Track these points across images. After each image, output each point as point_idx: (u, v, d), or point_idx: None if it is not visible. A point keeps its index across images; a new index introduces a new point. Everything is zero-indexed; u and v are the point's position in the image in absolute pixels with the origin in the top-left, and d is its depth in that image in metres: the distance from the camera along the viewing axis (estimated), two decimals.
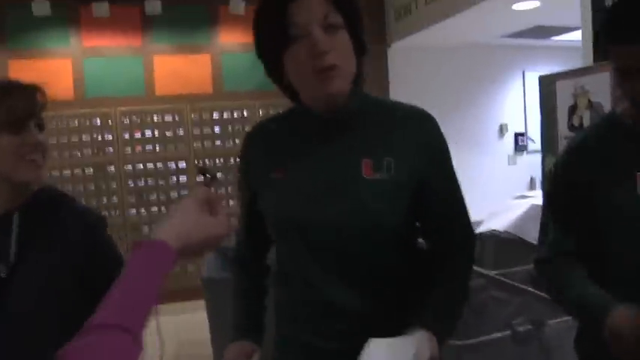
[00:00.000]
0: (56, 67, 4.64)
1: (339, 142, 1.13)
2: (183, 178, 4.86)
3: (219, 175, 0.94)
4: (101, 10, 4.02)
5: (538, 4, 4.04)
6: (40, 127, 1.26)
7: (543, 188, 2.72)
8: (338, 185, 1.09)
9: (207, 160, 4.85)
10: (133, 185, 4.79)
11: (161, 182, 4.84)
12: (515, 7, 4.11)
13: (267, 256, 1.32)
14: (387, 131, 1.13)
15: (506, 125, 5.79)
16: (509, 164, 5.81)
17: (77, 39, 4.66)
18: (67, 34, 4.64)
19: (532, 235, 3.28)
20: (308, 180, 1.12)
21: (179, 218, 0.81)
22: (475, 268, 2.76)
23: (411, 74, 5.38)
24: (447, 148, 1.17)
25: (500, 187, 5.27)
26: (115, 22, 4.46)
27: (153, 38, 4.81)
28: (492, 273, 2.76)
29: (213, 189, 0.91)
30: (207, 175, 0.93)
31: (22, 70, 4.55)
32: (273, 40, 1.08)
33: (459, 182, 1.19)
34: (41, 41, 4.59)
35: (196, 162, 4.85)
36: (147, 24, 4.72)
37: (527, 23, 4.70)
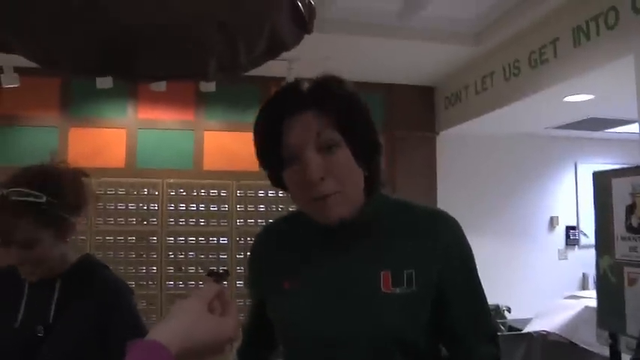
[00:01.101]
0: (112, 136, 4.82)
1: (356, 250, 1.05)
2: (223, 255, 4.83)
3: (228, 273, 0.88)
4: (158, 85, 4.19)
5: (592, 97, 3.97)
6: (27, 246, 1.31)
7: (597, 289, 2.54)
8: (355, 300, 1.01)
9: (245, 238, 4.83)
10: (172, 257, 4.79)
11: (201, 256, 4.82)
12: (568, 99, 4.05)
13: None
14: (406, 239, 1.05)
15: (557, 218, 5.58)
16: (559, 259, 5.55)
17: (133, 110, 4.86)
18: (125, 106, 4.85)
19: (583, 339, 3.06)
20: (322, 292, 1.04)
21: (181, 318, 0.73)
22: None
23: (460, 163, 5.33)
24: (470, 252, 1.09)
25: (550, 282, 5.02)
26: (170, 96, 4.64)
27: (205, 114, 4.97)
28: None
29: (224, 285, 0.84)
30: (217, 270, 0.86)
31: (81, 138, 4.76)
32: (268, 161, 1.04)
33: (482, 288, 1.10)
34: (100, 111, 4.80)
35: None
36: (200, 100, 4.89)
37: (580, 115, 4.61)
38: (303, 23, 1.52)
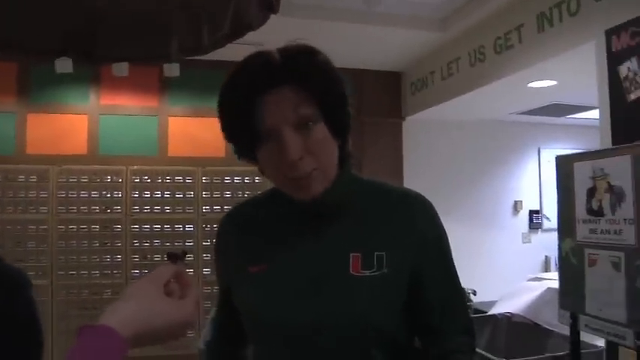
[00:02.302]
0: (73, 122, 4.68)
1: (325, 232, 1.02)
2: (189, 243, 4.77)
3: (188, 256, 0.84)
4: (120, 69, 4.07)
5: (555, 82, 4.04)
6: None
7: (560, 271, 2.59)
8: (323, 283, 0.98)
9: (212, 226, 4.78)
10: (138, 245, 4.70)
11: (167, 244, 4.75)
12: (532, 85, 4.10)
13: (243, 354, 1.19)
14: (378, 220, 1.02)
15: (520, 202, 5.69)
16: (523, 242, 5.67)
17: (95, 96, 4.73)
18: (87, 91, 4.72)
19: (546, 320, 3.13)
20: (290, 276, 1.00)
21: (134, 301, 0.70)
22: (484, 353, 2.62)
23: (426, 148, 5.37)
24: (444, 235, 1.07)
25: (515, 265, 5.12)
26: (134, 82, 4.52)
27: (169, 100, 4.87)
28: None
29: (183, 266, 0.81)
30: (175, 253, 0.83)
31: (40, 124, 4.61)
32: (240, 138, 0.98)
33: (457, 274, 1.08)
34: (61, 97, 4.66)
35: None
36: (164, 85, 4.79)
37: (544, 101, 4.69)
38: (269, 3, 1.49)
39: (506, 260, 5.32)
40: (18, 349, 1.21)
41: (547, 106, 4.86)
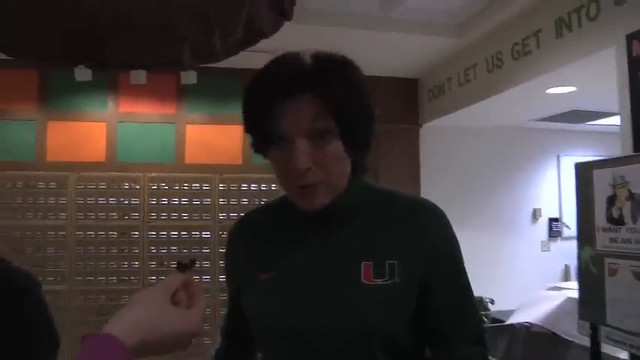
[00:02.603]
0: (92, 129, 4.73)
1: (336, 239, 1.01)
2: (206, 250, 4.78)
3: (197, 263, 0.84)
4: (138, 77, 4.11)
5: (574, 89, 3.98)
6: None
7: (579, 281, 2.54)
8: (333, 291, 0.97)
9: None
10: (155, 252, 4.73)
11: (184, 250, 4.77)
12: (551, 91, 4.05)
13: None
14: (389, 227, 1.01)
15: (539, 210, 5.61)
16: (542, 250, 5.58)
17: (114, 104, 4.78)
18: (105, 99, 4.77)
19: (565, 330, 3.07)
20: (299, 282, 0.99)
21: (140, 309, 0.69)
22: None
23: (443, 155, 5.33)
24: (456, 244, 1.05)
25: (534, 274, 5.05)
26: (151, 89, 4.56)
27: (187, 107, 4.91)
28: None
29: (190, 276, 0.80)
30: (183, 262, 0.82)
31: (60, 131, 4.67)
32: (256, 133, 0.98)
33: (468, 284, 1.05)
34: (80, 105, 4.72)
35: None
36: (182, 93, 4.83)
37: (563, 107, 4.63)
38: (282, 9, 1.48)
39: (525, 269, 5.25)
40: (31, 352, 1.20)
41: (567, 112, 4.79)
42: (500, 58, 3.99)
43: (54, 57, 1.25)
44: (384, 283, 0.96)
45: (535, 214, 5.62)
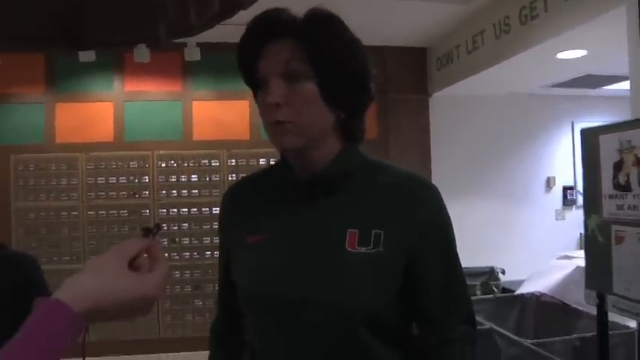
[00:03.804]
0: (99, 110, 4.75)
1: (325, 206, 1.00)
2: (216, 225, 4.79)
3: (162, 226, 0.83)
4: (141, 55, 4.09)
5: (585, 52, 3.86)
6: None
7: (586, 249, 2.49)
8: (317, 256, 0.97)
9: None
10: (166, 229, 4.77)
11: (195, 227, 4.81)
12: (561, 55, 3.93)
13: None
14: (379, 199, 1.00)
15: (553, 178, 5.51)
16: (557, 219, 5.50)
17: (120, 83, 4.78)
18: (111, 79, 4.78)
19: (575, 300, 3.03)
20: (285, 247, 0.99)
21: (90, 275, 0.68)
22: (510, 335, 2.55)
23: (454, 124, 5.24)
24: (447, 221, 1.03)
25: (548, 243, 4.98)
26: (156, 67, 4.55)
27: (192, 84, 4.88)
28: (528, 342, 2.53)
29: (155, 241, 0.79)
30: (147, 227, 0.81)
31: (68, 113, 4.70)
32: (246, 79, 1.03)
33: (459, 263, 1.04)
34: (87, 85, 4.73)
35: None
36: (187, 70, 4.80)
37: (575, 72, 4.50)
38: None
39: (539, 238, 5.18)
40: None
41: (580, 77, 4.66)
42: (508, 23, 3.87)
43: (27, 38, 1.23)
44: (368, 251, 0.95)
45: (549, 183, 5.51)
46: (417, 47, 5.20)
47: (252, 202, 1.10)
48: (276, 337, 1.00)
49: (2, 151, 4.52)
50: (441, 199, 1.04)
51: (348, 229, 0.97)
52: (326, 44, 0.96)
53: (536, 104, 5.40)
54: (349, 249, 0.96)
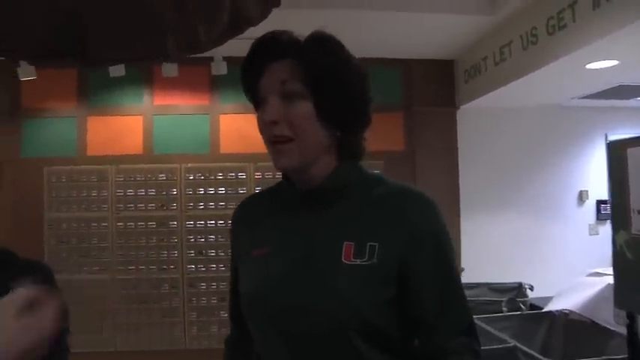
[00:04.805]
0: (129, 123, 4.86)
1: (324, 219, 1.05)
2: None
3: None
4: (169, 70, 4.18)
5: (616, 62, 3.75)
6: None
7: (614, 267, 2.41)
8: (314, 267, 1.00)
9: None
10: (193, 241, 4.82)
11: (221, 239, 4.84)
12: (591, 66, 3.83)
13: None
14: (374, 212, 1.03)
15: (586, 192, 5.35)
16: (590, 234, 5.33)
17: (149, 97, 4.88)
18: (141, 93, 4.88)
19: (605, 319, 2.92)
20: (285, 260, 1.03)
21: None
22: (536, 355, 2.47)
23: (482, 137, 5.17)
24: (442, 230, 1.04)
25: (580, 259, 4.82)
26: (184, 81, 4.63)
27: (220, 98, 4.95)
28: None
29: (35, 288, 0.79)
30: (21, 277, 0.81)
31: (99, 126, 4.82)
32: (249, 98, 1.08)
33: (455, 273, 1.04)
34: (117, 99, 4.85)
35: None
36: (215, 84, 4.86)
37: (607, 83, 4.38)
38: None
39: (571, 254, 5.03)
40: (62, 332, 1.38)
41: (612, 88, 4.53)
42: (535, 34, 3.81)
43: (37, 55, 1.26)
44: (362, 263, 0.98)
45: (581, 197, 5.36)
46: (444, 60, 5.16)
47: (258, 218, 1.15)
48: (278, 347, 1.03)
49: (36, 163, 4.66)
50: (437, 209, 1.06)
51: (345, 242, 1.01)
52: (322, 65, 1.00)
53: (567, 116, 5.27)
54: (345, 261, 0.99)
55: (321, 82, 1.00)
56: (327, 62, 1.01)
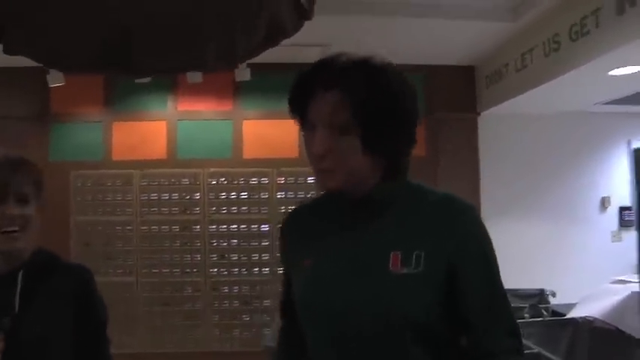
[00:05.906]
0: (153, 128, 4.95)
1: (370, 230, 1.09)
2: (265, 242, 4.88)
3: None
4: (194, 76, 4.25)
5: (638, 68, 3.74)
6: (23, 200, 1.39)
7: None
8: (363, 277, 1.05)
9: None
10: (216, 245, 4.88)
11: (243, 243, 4.90)
12: (614, 72, 3.83)
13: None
14: (419, 221, 1.08)
15: (608, 198, 5.31)
16: (613, 241, 5.29)
17: (173, 103, 4.96)
18: (165, 99, 4.96)
19: (632, 327, 2.92)
20: (335, 269, 1.08)
21: None
22: None
23: (503, 143, 5.16)
24: (485, 237, 1.09)
25: (603, 266, 4.80)
26: (208, 87, 4.70)
27: (243, 103, 5.01)
28: None
29: None
30: None
31: (124, 131, 4.91)
32: (297, 120, 1.11)
33: (499, 278, 1.09)
34: (142, 105, 4.94)
35: None
36: (238, 89, 4.93)
37: (631, 89, 4.36)
38: (302, 11, 1.49)
39: (593, 260, 4.99)
40: (104, 326, 1.50)
41: (635, 94, 4.51)
42: (558, 40, 3.81)
43: (83, 65, 1.32)
44: (410, 272, 1.02)
45: (604, 203, 5.32)
46: (465, 66, 5.18)
47: (306, 228, 1.20)
48: (328, 348, 1.08)
49: (63, 167, 4.75)
50: (479, 216, 1.11)
51: (392, 252, 1.04)
52: (369, 98, 1.02)
53: (590, 122, 5.24)
54: (392, 270, 1.04)
55: (369, 115, 1.01)
56: (376, 94, 1.02)
